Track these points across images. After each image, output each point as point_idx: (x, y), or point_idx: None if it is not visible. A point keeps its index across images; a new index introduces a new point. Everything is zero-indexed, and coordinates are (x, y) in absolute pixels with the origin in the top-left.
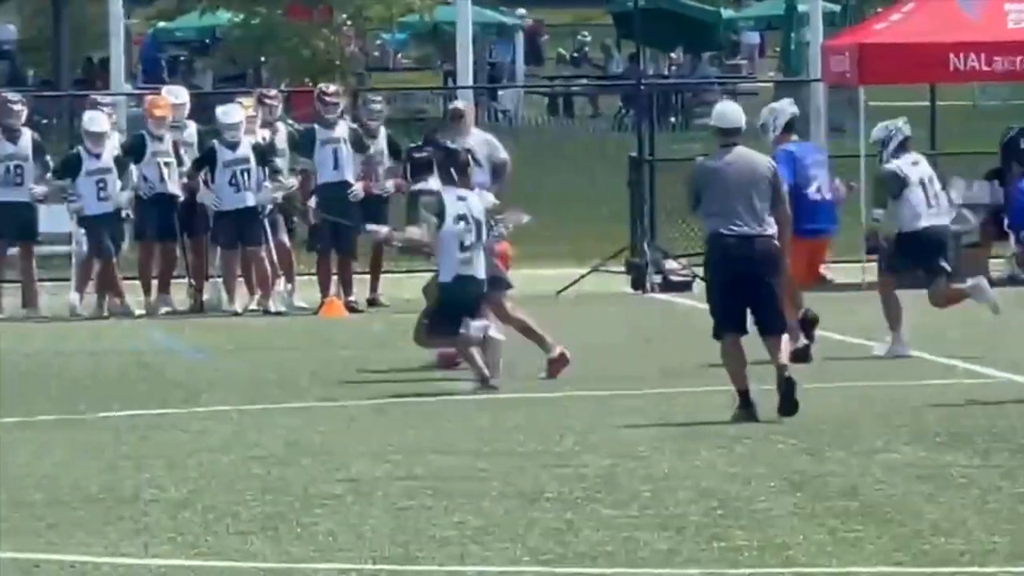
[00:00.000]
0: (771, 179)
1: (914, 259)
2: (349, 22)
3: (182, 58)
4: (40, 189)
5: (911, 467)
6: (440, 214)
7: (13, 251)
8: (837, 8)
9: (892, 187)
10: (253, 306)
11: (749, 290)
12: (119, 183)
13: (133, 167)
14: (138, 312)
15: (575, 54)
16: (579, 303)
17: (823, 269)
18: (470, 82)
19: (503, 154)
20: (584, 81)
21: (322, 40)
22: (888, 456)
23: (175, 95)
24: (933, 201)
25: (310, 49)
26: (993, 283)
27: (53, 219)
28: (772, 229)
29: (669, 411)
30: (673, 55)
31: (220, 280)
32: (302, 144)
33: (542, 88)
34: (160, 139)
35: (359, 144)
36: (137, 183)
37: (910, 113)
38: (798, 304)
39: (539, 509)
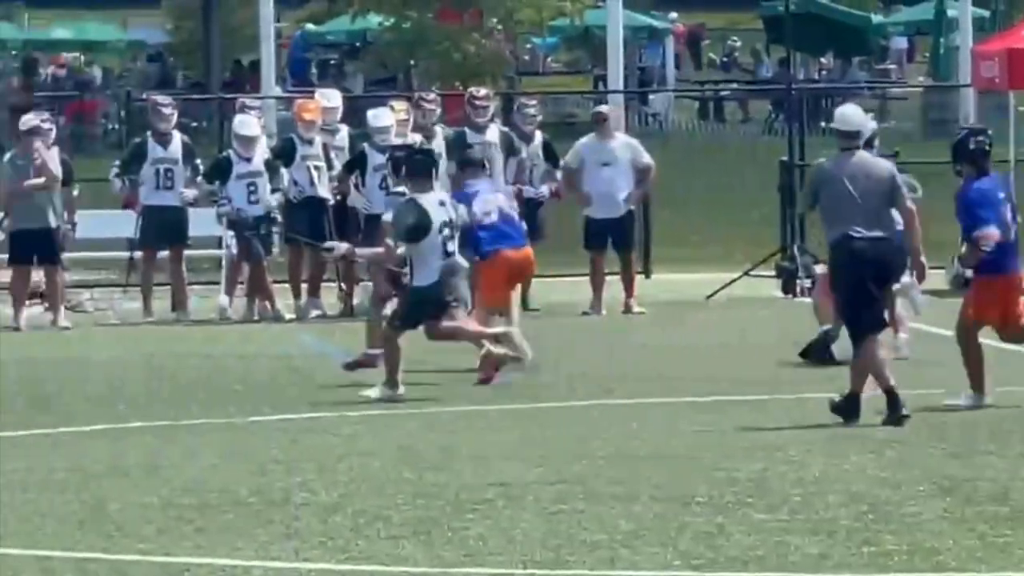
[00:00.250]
0: (891, 181)
1: None
2: (500, 26)
3: (332, 61)
4: (190, 193)
5: None
6: (426, 226)
7: (163, 254)
8: (986, 13)
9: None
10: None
11: (867, 291)
12: (269, 187)
13: (283, 171)
14: (288, 316)
15: (725, 58)
16: (729, 307)
17: None
18: (620, 86)
19: (647, 158)
20: (735, 85)
21: (472, 44)
22: None
23: (328, 98)
24: None
25: (460, 53)
26: None
27: (203, 223)
28: (894, 231)
29: (819, 415)
30: (823, 60)
31: (370, 283)
32: (452, 148)
33: (692, 92)
34: (310, 143)
35: (510, 148)
36: (287, 187)
37: None
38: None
39: (690, 513)
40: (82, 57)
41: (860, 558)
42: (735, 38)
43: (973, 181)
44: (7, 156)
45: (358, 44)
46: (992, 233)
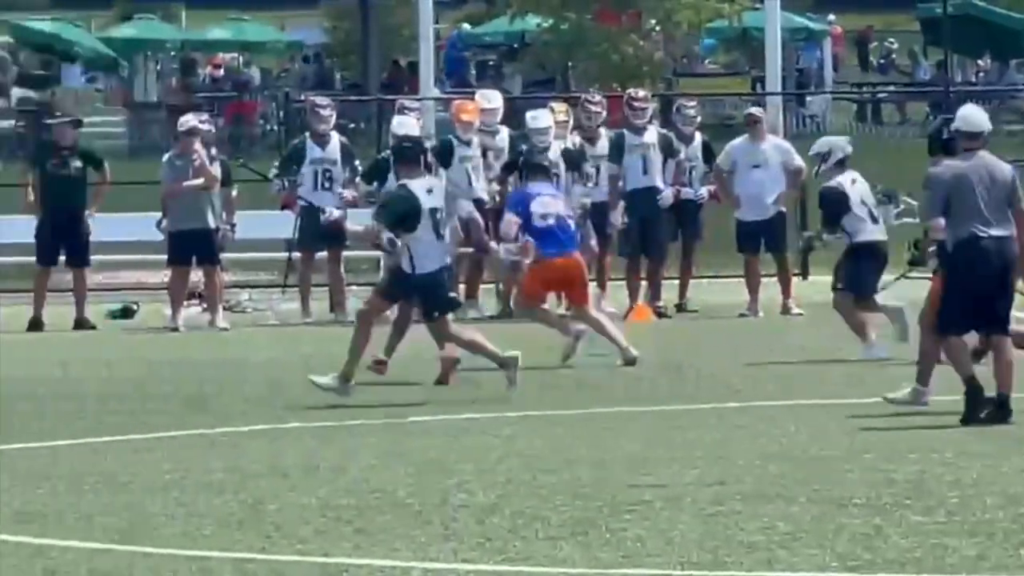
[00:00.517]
0: (1013, 182)
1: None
2: (658, 27)
3: (491, 62)
4: (349, 193)
5: None
6: (416, 212)
7: (322, 255)
8: None
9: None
10: (563, 311)
11: (993, 290)
12: None
13: (441, 172)
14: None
15: (882, 60)
16: None
17: None
18: (778, 88)
19: (798, 160)
20: (892, 88)
21: (631, 45)
22: None
23: (488, 99)
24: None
25: (619, 54)
26: None
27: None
28: (1012, 230)
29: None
30: (980, 62)
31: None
32: (611, 150)
33: (850, 95)
34: (468, 144)
35: (669, 149)
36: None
37: None
38: None
39: (847, 515)
40: (240, 58)
41: (1017, 559)
42: (892, 40)
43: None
44: (166, 157)
45: (516, 45)
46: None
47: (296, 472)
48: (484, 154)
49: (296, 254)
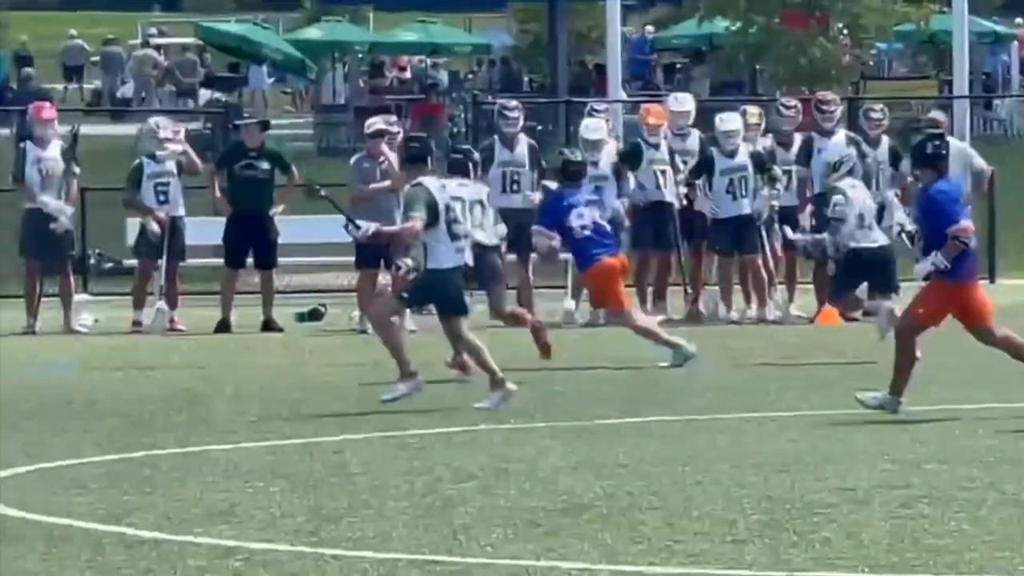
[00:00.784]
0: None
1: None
2: (845, 31)
3: (678, 65)
4: (537, 196)
5: None
6: (436, 208)
7: (511, 257)
8: None
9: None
10: (750, 315)
11: None
12: (615, 190)
13: (630, 175)
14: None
15: None
16: None
17: None
18: (966, 91)
19: (979, 163)
20: None
21: (818, 48)
22: None
23: (680, 102)
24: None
25: (806, 57)
26: None
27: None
28: None
29: None
30: None
31: (716, 288)
32: (800, 153)
33: None
34: (656, 147)
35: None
36: (633, 191)
37: None
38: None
39: None
40: (428, 60)
41: None
42: None
43: (934, 183)
44: (353, 159)
45: (704, 48)
46: (969, 226)
47: (485, 474)
48: (672, 157)
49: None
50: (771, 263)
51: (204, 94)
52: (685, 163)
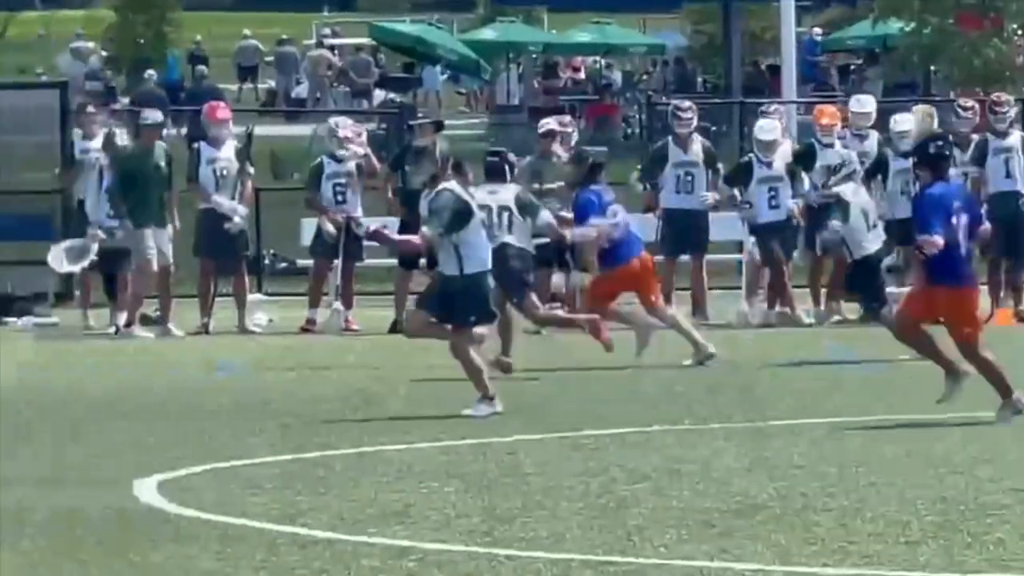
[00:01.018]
0: None
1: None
2: (1020, 31)
3: (852, 66)
4: (711, 196)
5: None
6: (468, 211)
7: (685, 258)
8: None
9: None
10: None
11: None
12: (789, 191)
13: (804, 176)
14: (807, 320)
15: None
16: None
17: None
18: None
19: None
20: None
21: (993, 49)
22: None
23: (861, 104)
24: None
25: (980, 58)
26: None
27: (724, 227)
28: None
29: None
30: None
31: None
32: (974, 153)
33: None
34: (829, 147)
35: None
36: (807, 191)
37: None
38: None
39: None
40: (602, 60)
41: None
42: None
43: (930, 185)
44: (527, 160)
45: (878, 50)
46: (936, 241)
47: (658, 475)
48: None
49: (659, 257)
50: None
51: (378, 95)
52: (863, 163)
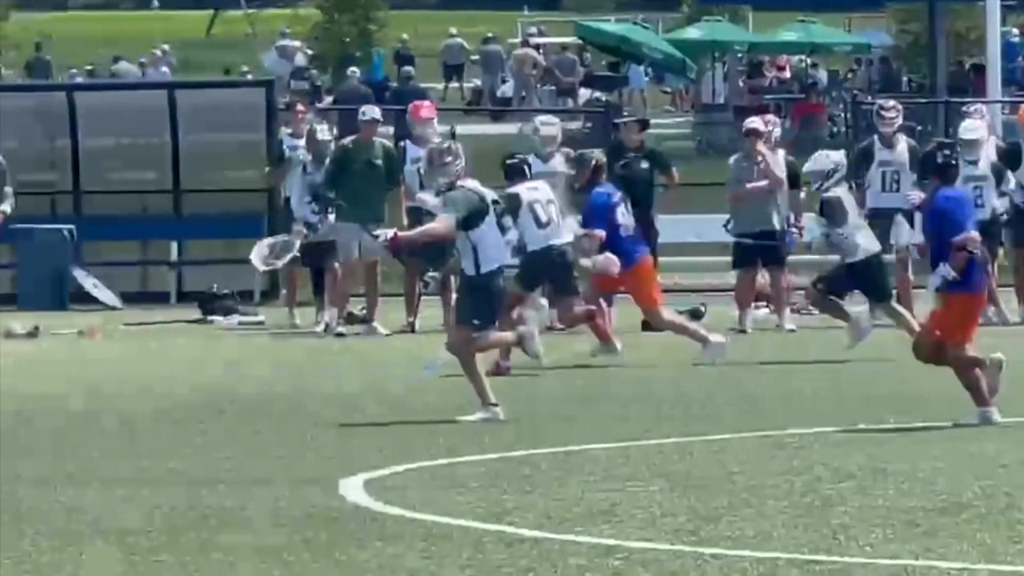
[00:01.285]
0: None
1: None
2: None
3: None
4: (919, 195)
5: None
6: (483, 210)
7: (890, 258)
8: None
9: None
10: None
11: None
12: (994, 190)
13: (1010, 174)
14: (1012, 319)
15: None
16: None
17: None
18: None
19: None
20: None
21: None
22: None
23: None
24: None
25: None
26: None
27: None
28: None
29: None
30: None
31: None
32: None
33: None
34: None
35: None
36: (1014, 190)
37: None
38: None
39: None
40: (807, 59)
41: None
42: None
43: (939, 191)
44: (732, 159)
45: None
46: (977, 237)
47: (863, 474)
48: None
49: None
50: None
51: (583, 93)
52: None
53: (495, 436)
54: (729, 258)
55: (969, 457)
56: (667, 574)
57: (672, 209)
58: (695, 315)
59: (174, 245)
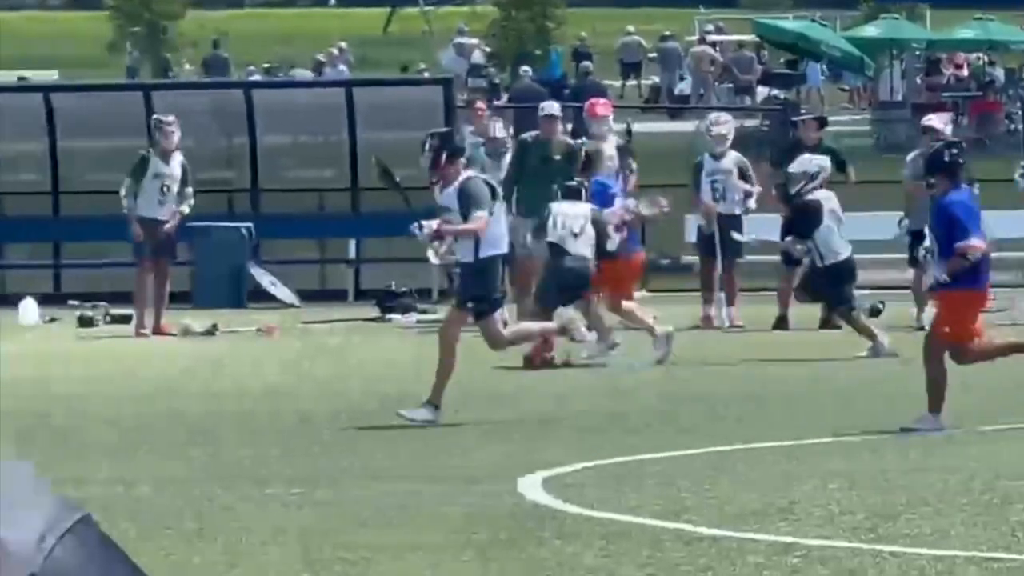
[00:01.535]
0: None
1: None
2: None
3: None
4: None
5: None
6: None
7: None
8: None
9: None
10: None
11: None
12: None
13: None
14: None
15: None
16: None
17: None
18: None
19: None
20: None
21: None
22: None
23: None
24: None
25: None
26: None
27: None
28: None
29: None
30: None
31: None
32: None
33: None
34: None
35: None
36: None
37: None
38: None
39: None
40: (985, 57)
41: None
42: None
43: (950, 193)
44: (910, 156)
45: None
46: (979, 245)
47: None
48: None
49: None
50: None
51: (761, 91)
52: None
53: (669, 435)
54: (905, 256)
55: None
56: (845, 572)
57: (849, 207)
58: (874, 312)
59: (352, 243)
